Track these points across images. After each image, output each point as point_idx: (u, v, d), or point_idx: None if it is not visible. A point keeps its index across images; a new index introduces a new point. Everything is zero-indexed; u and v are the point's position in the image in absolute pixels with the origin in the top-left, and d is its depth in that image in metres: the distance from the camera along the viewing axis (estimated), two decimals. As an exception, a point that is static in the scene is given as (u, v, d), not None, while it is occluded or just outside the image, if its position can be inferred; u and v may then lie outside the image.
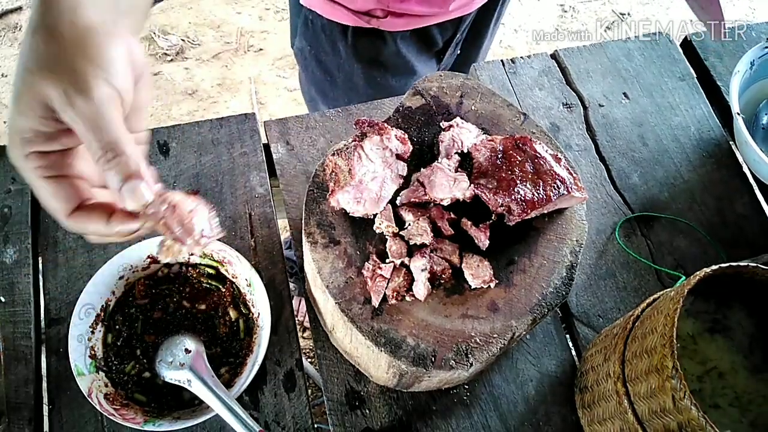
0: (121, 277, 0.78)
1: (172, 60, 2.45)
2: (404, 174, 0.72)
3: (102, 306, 0.76)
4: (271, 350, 0.79)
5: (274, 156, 0.92)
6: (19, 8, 2.53)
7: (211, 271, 0.82)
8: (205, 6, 2.59)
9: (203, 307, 0.80)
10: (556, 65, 1.06)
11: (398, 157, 0.72)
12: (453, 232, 0.71)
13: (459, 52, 1.19)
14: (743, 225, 0.94)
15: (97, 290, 0.76)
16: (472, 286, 0.69)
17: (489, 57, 1.31)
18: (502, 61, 1.04)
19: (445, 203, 0.71)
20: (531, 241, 0.73)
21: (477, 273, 0.69)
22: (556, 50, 1.07)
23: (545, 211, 0.72)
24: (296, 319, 0.84)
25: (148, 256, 0.79)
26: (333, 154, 0.72)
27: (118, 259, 0.77)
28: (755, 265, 0.62)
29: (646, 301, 0.70)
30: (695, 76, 1.08)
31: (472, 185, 0.71)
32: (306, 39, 1.11)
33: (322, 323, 0.80)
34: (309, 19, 1.07)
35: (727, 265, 0.62)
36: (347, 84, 1.13)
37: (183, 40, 2.50)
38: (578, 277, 0.87)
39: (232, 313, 0.80)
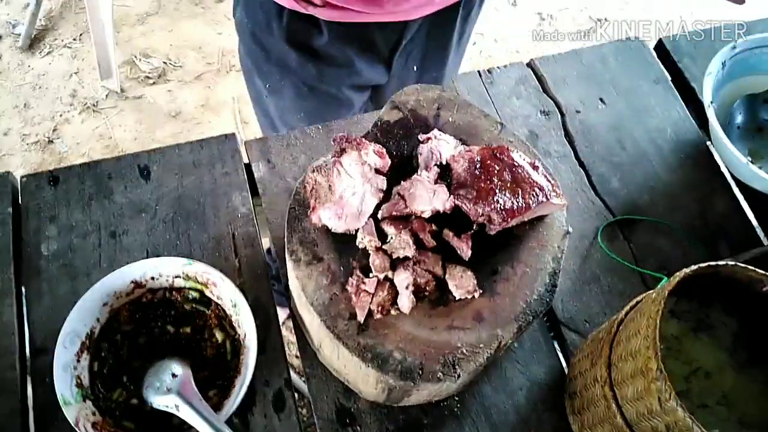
0: (105, 304, 0.77)
1: (154, 83, 2.45)
2: (384, 188, 0.72)
3: (87, 333, 0.75)
4: (259, 371, 0.79)
5: (256, 175, 0.92)
6: (-1, 37, 2.53)
7: (195, 294, 0.82)
8: (185, 28, 2.60)
9: (189, 330, 0.80)
10: (532, 74, 1.07)
11: (377, 171, 0.72)
12: (435, 244, 0.71)
13: (416, 67, 1.19)
14: (724, 224, 0.95)
15: (81, 318, 0.75)
16: (457, 297, 0.69)
17: (467, 68, 1.32)
18: (478, 71, 1.05)
19: (426, 215, 0.71)
20: (513, 250, 0.73)
21: (461, 283, 0.69)
22: (531, 59, 1.08)
23: (525, 219, 0.73)
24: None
25: (132, 281, 0.78)
26: (313, 171, 0.72)
27: (101, 286, 0.77)
28: (734, 263, 0.63)
29: (629, 304, 0.70)
30: (670, 78, 1.10)
31: (451, 196, 0.71)
32: (245, 11, 1.11)
33: (310, 341, 0.80)
34: None
35: (706, 264, 0.62)
36: (280, 62, 1.12)
37: (165, 62, 2.50)
38: (563, 283, 0.88)
39: (219, 335, 0.79)
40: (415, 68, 1.19)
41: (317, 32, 1.05)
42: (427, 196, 0.71)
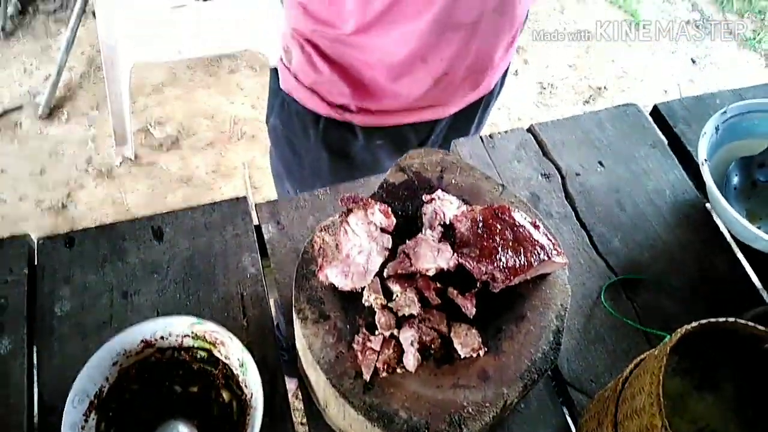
0: (114, 363, 0.78)
1: (167, 150, 2.52)
2: (389, 246, 0.74)
3: (96, 393, 0.76)
4: (265, 431, 0.79)
5: (265, 236, 0.95)
6: (20, 107, 2.63)
7: (203, 354, 0.83)
8: (199, 97, 2.71)
9: (196, 389, 0.81)
10: (532, 138, 1.11)
11: (383, 230, 0.75)
12: (440, 302, 0.73)
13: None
14: (725, 283, 0.96)
15: (91, 377, 0.76)
16: (462, 355, 0.70)
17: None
18: (480, 137, 1.09)
19: (431, 273, 0.73)
20: (517, 308, 0.74)
21: (466, 341, 0.70)
22: (531, 124, 1.13)
23: (528, 277, 0.75)
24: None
25: (142, 341, 0.80)
26: (320, 231, 0.75)
27: (112, 345, 0.78)
28: (734, 320, 0.64)
29: (633, 362, 0.71)
30: (666, 142, 1.14)
31: (455, 254, 0.73)
32: (280, 119, 1.16)
33: (315, 401, 0.80)
34: (286, 102, 1.12)
35: (706, 321, 0.63)
36: (313, 167, 1.16)
37: (178, 130, 2.59)
38: (568, 343, 0.88)
39: (225, 395, 0.80)
40: None
41: (352, 137, 1.10)
42: (431, 255, 0.73)
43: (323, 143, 1.11)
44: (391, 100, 1.04)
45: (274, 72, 1.15)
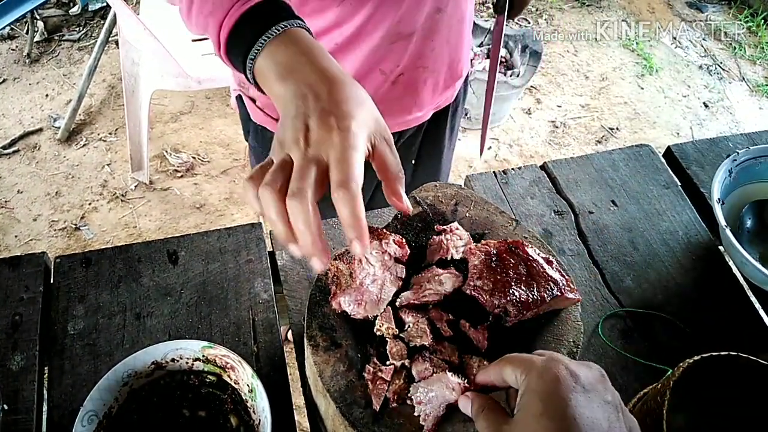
0: (125, 384, 0.78)
1: (182, 176, 2.56)
2: (403, 276, 0.75)
3: (105, 413, 0.76)
4: (271, 458, 0.78)
5: (279, 263, 0.95)
6: (40, 129, 2.68)
7: (212, 378, 0.83)
8: (215, 126, 2.75)
9: (204, 414, 0.80)
10: (545, 175, 1.12)
11: (397, 260, 0.75)
12: (452, 334, 0.73)
13: (414, 161, 1.30)
14: (738, 325, 0.95)
15: (101, 396, 0.76)
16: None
17: (483, 169, 1.39)
18: (494, 172, 1.11)
19: (436, 299, 0.73)
20: (528, 343, 0.74)
21: (477, 375, 0.70)
22: (545, 162, 1.14)
23: (541, 312, 0.75)
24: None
25: (153, 362, 0.80)
26: (335, 259, 0.75)
27: (123, 365, 0.78)
28: (736, 354, 0.64)
29: (636, 396, 0.70)
30: (679, 184, 1.14)
31: (461, 277, 0.73)
32: (257, 141, 1.23)
33: (323, 430, 0.80)
34: (258, 129, 1.19)
35: (708, 354, 0.63)
36: None
37: (193, 157, 2.62)
38: (579, 380, 0.88)
39: (233, 420, 0.80)
40: (413, 162, 1.30)
41: None
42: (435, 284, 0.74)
43: None
44: None
45: (239, 99, 1.21)
